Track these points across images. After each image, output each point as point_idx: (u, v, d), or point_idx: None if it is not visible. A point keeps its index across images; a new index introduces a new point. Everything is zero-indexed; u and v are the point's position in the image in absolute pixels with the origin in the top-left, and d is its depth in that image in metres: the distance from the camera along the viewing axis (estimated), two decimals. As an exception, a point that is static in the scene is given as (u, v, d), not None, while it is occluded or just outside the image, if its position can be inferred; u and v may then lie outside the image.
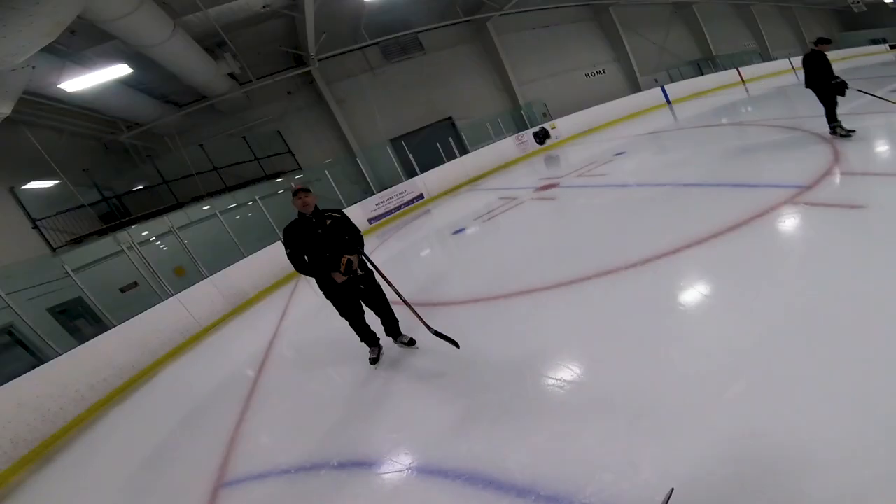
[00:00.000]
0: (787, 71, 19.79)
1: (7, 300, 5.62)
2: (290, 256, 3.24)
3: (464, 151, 15.60)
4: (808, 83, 5.71)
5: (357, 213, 11.71)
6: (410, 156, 14.08)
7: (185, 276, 9.45)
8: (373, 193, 13.04)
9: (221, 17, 10.76)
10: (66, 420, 5.27)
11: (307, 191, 3.24)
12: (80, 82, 8.94)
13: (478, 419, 2.45)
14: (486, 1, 16.47)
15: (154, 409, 5.05)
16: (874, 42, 24.22)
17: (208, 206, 11.88)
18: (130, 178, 13.39)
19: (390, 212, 12.78)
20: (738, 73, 19.77)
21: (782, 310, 2.40)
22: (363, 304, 3.49)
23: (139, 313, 6.85)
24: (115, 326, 6.48)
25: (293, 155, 15.29)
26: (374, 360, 3.58)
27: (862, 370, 1.80)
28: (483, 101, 18.12)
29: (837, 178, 4.09)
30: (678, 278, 3.22)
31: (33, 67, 7.72)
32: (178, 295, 7.55)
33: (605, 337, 2.81)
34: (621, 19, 20.32)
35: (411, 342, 3.59)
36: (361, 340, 3.65)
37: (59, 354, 5.62)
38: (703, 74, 20.53)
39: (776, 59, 22.09)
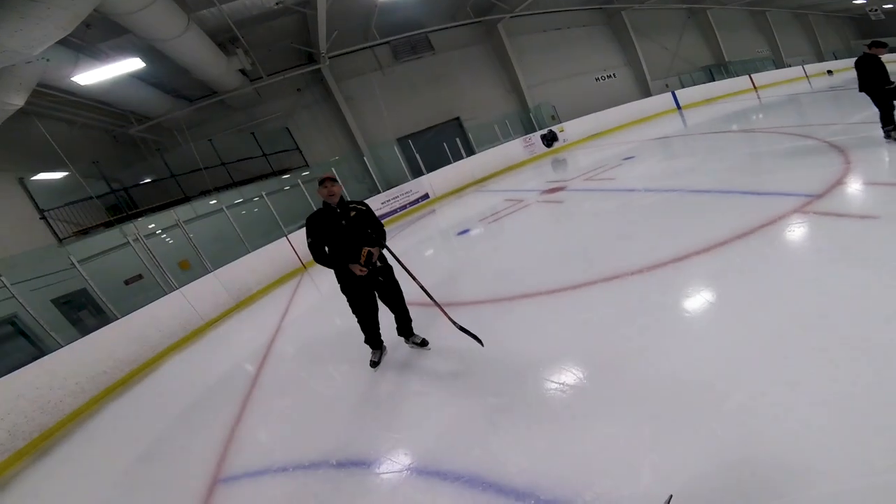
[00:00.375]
0: (800, 78, 19.60)
1: (11, 290, 5.64)
2: (310, 246, 3.17)
3: (471, 152, 15.60)
4: (863, 87, 5.49)
5: (362, 212, 11.70)
6: (417, 155, 14.12)
7: (189, 269, 9.50)
8: (378, 192, 13.07)
9: (234, 12, 10.88)
10: (65, 412, 5.29)
11: (334, 180, 3.15)
12: (93, 75, 9.03)
13: (479, 422, 2.43)
14: (497, 2, 16.45)
15: (153, 403, 5.07)
16: (893, 51, 23.89)
17: (215, 201, 11.97)
18: (139, 170, 13.51)
19: (395, 211, 12.80)
20: (751, 79, 19.57)
21: (787, 319, 2.36)
22: (378, 302, 3.42)
23: (142, 306, 6.88)
24: (117, 319, 6.51)
25: (301, 151, 15.34)
26: (374, 364, 3.51)
27: (867, 382, 1.77)
28: (491, 103, 18.07)
29: (849, 188, 4.02)
30: (684, 285, 3.17)
31: (48, 60, 7.82)
32: (181, 288, 7.60)
33: (607, 343, 2.78)
34: (633, 24, 20.19)
35: (424, 342, 3.51)
36: (365, 341, 3.56)
37: (61, 346, 5.63)
38: (714, 80, 20.32)
39: (790, 66, 21.89)
